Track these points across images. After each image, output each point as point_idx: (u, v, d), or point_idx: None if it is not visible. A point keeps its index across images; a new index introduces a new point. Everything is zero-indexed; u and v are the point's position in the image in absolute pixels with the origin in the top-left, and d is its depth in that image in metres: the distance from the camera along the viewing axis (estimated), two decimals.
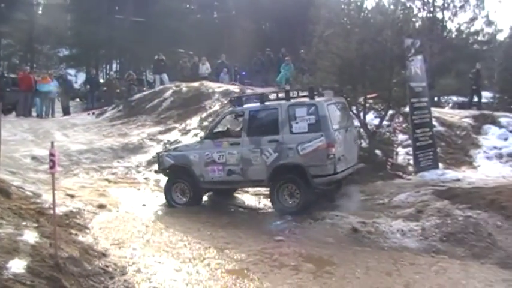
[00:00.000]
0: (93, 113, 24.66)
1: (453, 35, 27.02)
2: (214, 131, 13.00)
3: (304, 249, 9.63)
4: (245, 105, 12.67)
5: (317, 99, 11.98)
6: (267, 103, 12.41)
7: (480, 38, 28.61)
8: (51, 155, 7.54)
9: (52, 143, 7.76)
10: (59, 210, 10.06)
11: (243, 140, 12.19)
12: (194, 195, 12.69)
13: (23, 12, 38.81)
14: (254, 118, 12.32)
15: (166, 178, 13.17)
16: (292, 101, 12.18)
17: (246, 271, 8.56)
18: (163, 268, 8.41)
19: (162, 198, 12.99)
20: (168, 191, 12.85)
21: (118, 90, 28.40)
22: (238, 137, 12.49)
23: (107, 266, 8.10)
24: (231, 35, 40.50)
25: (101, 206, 11.75)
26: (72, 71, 41.81)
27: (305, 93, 12.29)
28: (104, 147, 17.94)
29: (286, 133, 11.72)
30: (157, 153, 14.38)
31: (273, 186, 11.88)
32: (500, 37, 32.16)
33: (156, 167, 14.03)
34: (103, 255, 8.60)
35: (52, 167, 7.61)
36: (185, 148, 13.13)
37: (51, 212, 8.08)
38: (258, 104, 12.42)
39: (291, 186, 11.74)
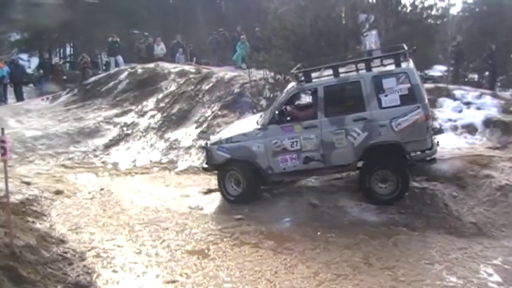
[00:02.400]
0: (47, 98, 24.14)
1: (407, 10, 27.15)
2: (277, 112, 10.96)
3: (264, 227, 9.70)
4: (315, 80, 10.82)
5: (404, 65, 10.47)
6: (342, 75, 10.69)
7: (434, 12, 28.82)
8: (2, 141, 7.39)
9: (2, 129, 7.58)
10: (15, 198, 9.93)
11: (320, 121, 10.48)
12: (250, 187, 11.03)
13: None
14: (331, 95, 10.58)
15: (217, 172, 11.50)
16: (376, 70, 10.53)
17: (206, 251, 8.60)
18: (123, 251, 8.39)
19: (119, 181, 12.83)
20: (221, 182, 11.24)
21: (65, 77, 27.93)
22: (312, 118, 10.69)
23: (65, 252, 8.03)
24: (186, 14, 40.10)
25: (58, 192, 11.60)
26: (24, 56, 40.86)
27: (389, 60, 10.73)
28: (59, 132, 17.61)
29: (375, 108, 10.25)
30: (203, 146, 12.43)
31: (364, 171, 10.63)
32: (453, 11, 32.64)
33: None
34: (61, 241, 8.53)
35: (4, 154, 7.46)
36: (243, 138, 11.11)
37: (6, 200, 7.91)
38: (332, 78, 10.70)
39: (384, 171, 10.48)
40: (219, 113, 16.88)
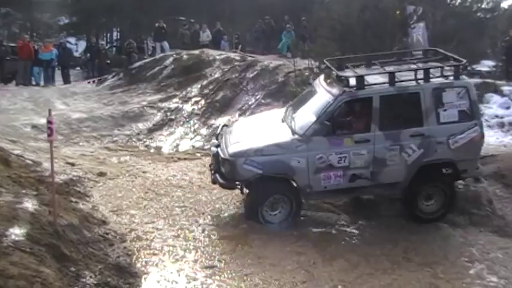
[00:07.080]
0: (93, 82, 24.51)
1: (456, 3, 26.63)
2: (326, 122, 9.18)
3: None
4: (369, 89, 9.42)
5: (464, 79, 9.81)
6: (399, 84, 9.47)
7: (484, 5, 28.22)
8: (49, 122, 7.49)
9: (50, 110, 7.73)
10: (59, 178, 10.05)
11: (374, 135, 9.27)
12: (296, 209, 9.41)
13: None
14: (387, 105, 9.28)
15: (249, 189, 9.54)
16: (435, 81, 9.54)
17: (244, 237, 8.60)
18: (162, 234, 8.44)
19: (162, 165, 12.88)
20: (255, 207, 9.28)
21: (108, 61, 28.30)
22: (364, 130, 9.43)
23: (106, 234, 8.14)
24: (233, 1, 40.10)
25: (101, 174, 11.72)
26: (72, 40, 41.51)
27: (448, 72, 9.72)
28: (104, 115, 17.85)
29: (433, 124, 9.34)
30: (225, 158, 9.42)
31: (411, 189, 9.56)
32: (505, 5, 31.86)
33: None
34: (103, 222, 8.63)
35: (50, 135, 7.58)
36: (278, 150, 9.20)
37: (51, 179, 8.06)
38: (387, 86, 9.44)
39: (430, 188, 9.71)
40: (263, 101, 16.91)
